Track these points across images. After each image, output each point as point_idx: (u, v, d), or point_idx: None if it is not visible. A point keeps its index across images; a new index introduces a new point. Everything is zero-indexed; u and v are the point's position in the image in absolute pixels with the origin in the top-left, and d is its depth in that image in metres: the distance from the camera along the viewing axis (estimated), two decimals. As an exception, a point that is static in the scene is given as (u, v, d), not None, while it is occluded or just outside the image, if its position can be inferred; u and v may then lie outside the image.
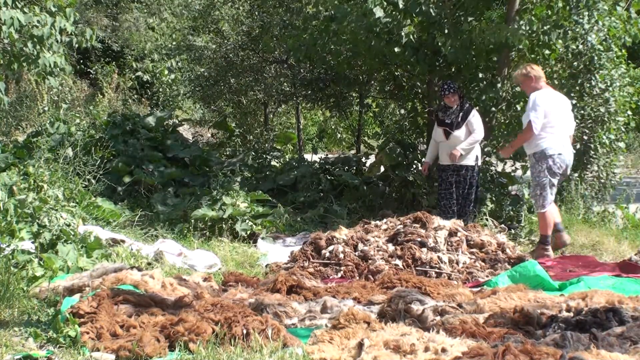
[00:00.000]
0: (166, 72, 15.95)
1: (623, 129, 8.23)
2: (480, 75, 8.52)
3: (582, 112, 7.98)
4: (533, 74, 6.62)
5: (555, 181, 6.54)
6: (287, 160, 10.40)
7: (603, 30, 7.88)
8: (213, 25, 13.16)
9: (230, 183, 8.28)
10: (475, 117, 7.48)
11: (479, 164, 7.64)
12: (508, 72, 8.43)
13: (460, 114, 7.48)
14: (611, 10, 8.01)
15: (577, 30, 7.81)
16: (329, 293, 4.89)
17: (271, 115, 14.87)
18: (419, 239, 5.99)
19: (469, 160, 7.51)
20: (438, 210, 7.57)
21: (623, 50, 8.23)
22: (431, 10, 7.95)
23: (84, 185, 7.20)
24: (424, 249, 5.90)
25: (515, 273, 5.31)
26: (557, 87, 8.43)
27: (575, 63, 7.97)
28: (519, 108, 8.51)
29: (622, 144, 8.23)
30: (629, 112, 8.34)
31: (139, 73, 16.78)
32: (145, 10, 18.37)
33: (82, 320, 3.99)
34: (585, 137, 8.00)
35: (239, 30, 12.76)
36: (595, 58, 7.82)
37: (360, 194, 8.77)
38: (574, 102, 7.99)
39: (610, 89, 7.92)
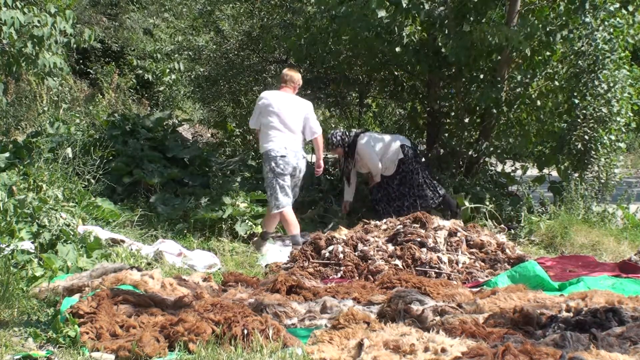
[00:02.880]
0: (167, 71, 15.94)
1: (624, 130, 8.23)
2: (481, 75, 8.52)
3: (584, 112, 7.98)
4: (282, 76, 6.98)
5: (283, 182, 6.62)
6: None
7: (608, 30, 7.88)
8: (213, 24, 13.15)
9: (230, 183, 8.27)
10: (362, 151, 7.63)
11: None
12: (508, 72, 8.43)
13: (347, 160, 7.74)
14: (616, 13, 8.01)
15: (581, 30, 7.81)
16: (328, 293, 4.89)
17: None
18: (418, 239, 5.99)
19: (389, 172, 7.72)
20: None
21: (627, 52, 8.23)
22: (433, 10, 7.95)
23: (83, 185, 7.19)
24: (424, 249, 5.90)
25: (515, 273, 5.31)
26: (558, 87, 8.45)
27: (579, 62, 7.97)
28: (519, 109, 8.54)
29: (622, 145, 8.24)
30: (630, 113, 8.35)
31: (140, 72, 16.76)
32: (144, 11, 18.36)
33: (81, 320, 3.99)
34: (587, 137, 8.00)
35: (239, 30, 12.75)
36: (600, 58, 7.82)
37: (360, 194, 8.76)
38: (577, 101, 7.98)
39: (613, 89, 7.92)
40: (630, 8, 8.22)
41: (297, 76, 6.96)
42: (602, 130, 7.98)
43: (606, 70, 7.88)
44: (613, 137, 8.07)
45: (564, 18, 7.80)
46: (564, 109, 8.35)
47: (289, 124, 6.64)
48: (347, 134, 7.84)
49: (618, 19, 8.03)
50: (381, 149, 7.70)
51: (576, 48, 7.98)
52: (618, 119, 8.04)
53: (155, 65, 16.28)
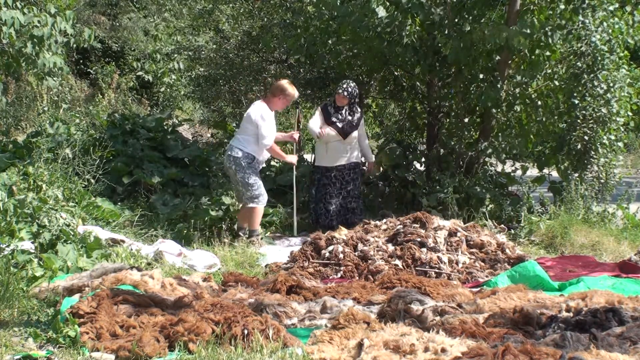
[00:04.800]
0: (167, 71, 15.94)
1: (623, 129, 8.23)
2: (481, 75, 8.52)
3: (583, 112, 7.98)
4: None
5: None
6: (287, 160, 10.39)
7: (607, 31, 7.88)
8: (213, 24, 13.15)
9: (229, 183, 8.26)
10: (363, 123, 7.92)
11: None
12: (508, 72, 8.43)
13: (354, 117, 7.73)
14: (615, 12, 8.01)
15: (580, 30, 7.81)
16: (328, 293, 4.89)
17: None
18: (418, 239, 5.99)
19: (358, 157, 7.87)
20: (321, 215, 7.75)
21: (625, 52, 8.23)
22: (433, 10, 7.95)
23: (83, 185, 7.19)
24: (424, 249, 5.89)
25: (515, 273, 5.31)
26: (558, 87, 8.44)
27: (578, 63, 7.97)
28: (518, 109, 8.53)
29: (621, 144, 8.24)
30: (629, 113, 8.35)
31: (140, 73, 16.76)
32: (144, 12, 18.35)
33: (81, 320, 3.99)
34: (586, 138, 7.99)
35: (239, 30, 12.75)
36: (598, 58, 7.82)
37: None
38: (576, 102, 7.98)
39: (612, 89, 7.92)
40: (628, 8, 8.21)
41: (275, 87, 7.19)
42: (602, 130, 7.97)
43: (605, 70, 7.88)
44: (612, 137, 8.07)
45: (563, 19, 7.80)
46: (564, 109, 8.35)
47: (242, 127, 7.12)
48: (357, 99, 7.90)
49: (617, 19, 8.03)
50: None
51: (575, 48, 7.98)
52: (617, 118, 8.04)
53: (156, 65, 16.28)
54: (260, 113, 6.93)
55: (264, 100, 7.13)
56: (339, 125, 7.64)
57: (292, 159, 7.43)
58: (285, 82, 7.19)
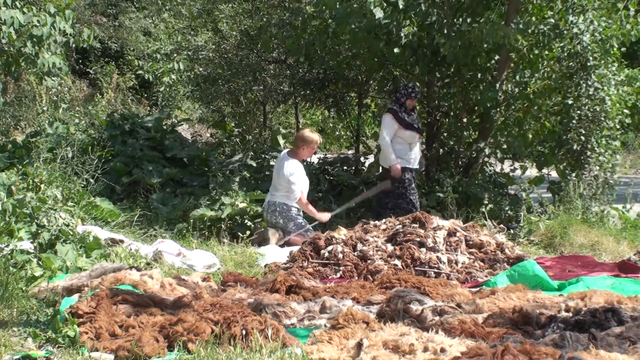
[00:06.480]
0: (167, 71, 15.93)
1: (619, 128, 8.23)
2: (480, 75, 8.52)
3: (578, 112, 7.98)
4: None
5: None
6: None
7: (598, 30, 7.89)
8: (212, 24, 13.14)
9: (229, 183, 8.26)
10: None
11: None
12: (507, 72, 8.44)
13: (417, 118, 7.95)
14: (609, 11, 8.02)
15: (574, 30, 7.82)
16: (327, 293, 4.89)
17: (270, 115, 14.85)
18: (418, 239, 5.99)
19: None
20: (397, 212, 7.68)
21: (615, 49, 8.23)
22: (430, 11, 7.95)
23: (82, 185, 7.19)
24: (423, 249, 5.90)
25: (514, 273, 5.31)
26: (553, 87, 8.45)
27: (571, 63, 7.98)
28: (517, 109, 8.54)
29: (617, 143, 8.24)
30: (626, 111, 8.35)
31: (141, 72, 16.75)
32: (144, 12, 18.34)
33: (81, 320, 3.98)
34: (583, 138, 8.00)
35: (238, 29, 12.75)
36: (590, 57, 7.83)
37: (359, 194, 8.76)
38: (570, 102, 7.99)
39: (605, 88, 7.92)
40: (620, 5, 8.22)
41: (297, 138, 7.45)
42: (597, 129, 7.98)
43: (598, 69, 7.89)
44: (608, 135, 8.08)
45: (558, 17, 7.82)
46: (560, 108, 8.37)
47: (274, 181, 7.40)
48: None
49: (604, 17, 8.03)
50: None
51: (570, 47, 7.99)
52: (614, 117, 8.04)
53: (156, 65, 16.27)
54: (290, 170, 7.16)
55: (292, 155, 7.28)
56: (416, 126, 7.83)
57: (324, 216, 7.35)
58: (306, 132, 7.41)
